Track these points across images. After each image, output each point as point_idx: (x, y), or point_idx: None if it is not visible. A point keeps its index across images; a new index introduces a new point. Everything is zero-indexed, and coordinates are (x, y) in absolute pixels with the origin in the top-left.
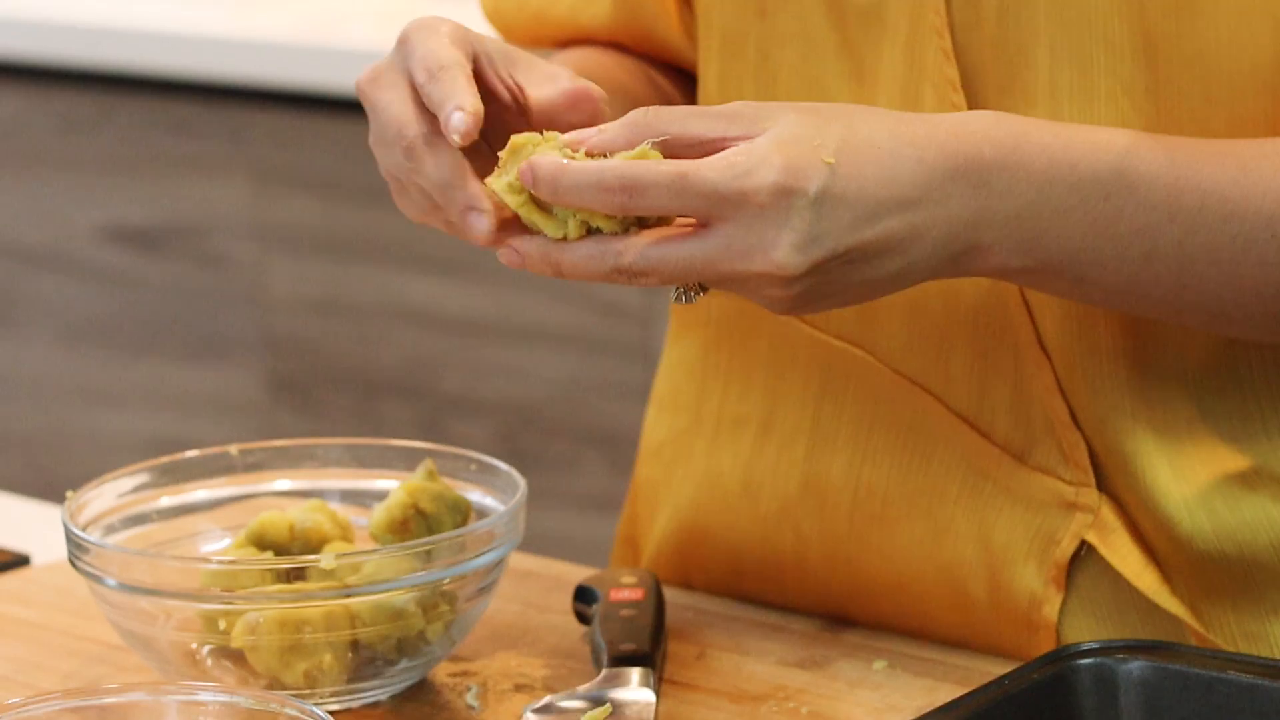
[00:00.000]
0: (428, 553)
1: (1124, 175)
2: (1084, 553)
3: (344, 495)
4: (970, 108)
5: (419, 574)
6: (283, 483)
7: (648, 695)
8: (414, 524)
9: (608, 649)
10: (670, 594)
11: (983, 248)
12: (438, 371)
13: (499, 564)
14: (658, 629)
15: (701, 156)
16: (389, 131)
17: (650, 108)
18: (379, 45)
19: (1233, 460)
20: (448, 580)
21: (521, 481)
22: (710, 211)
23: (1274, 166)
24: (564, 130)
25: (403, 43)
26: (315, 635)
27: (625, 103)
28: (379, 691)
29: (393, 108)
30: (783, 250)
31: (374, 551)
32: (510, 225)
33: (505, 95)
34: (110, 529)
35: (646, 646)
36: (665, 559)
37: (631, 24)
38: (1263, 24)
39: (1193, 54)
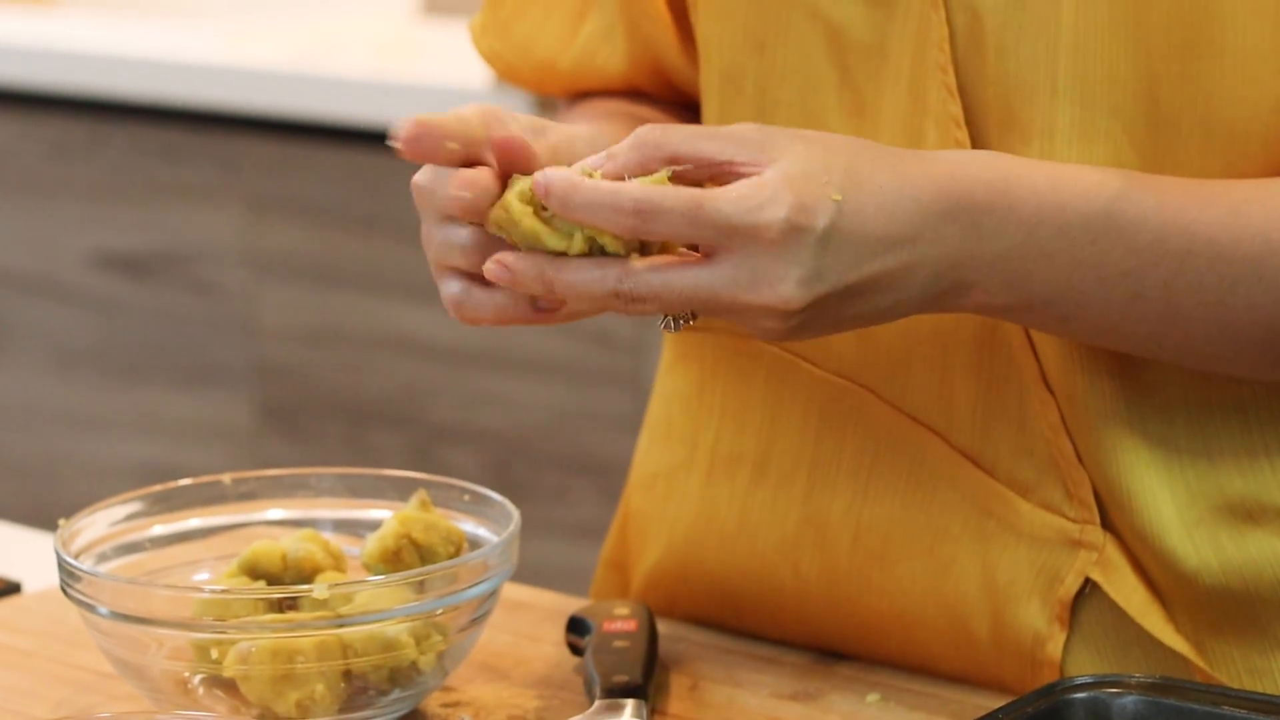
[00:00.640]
0: (421, 583)
1: (1112, 219)
2: (1088, 590)
3: (337, 525)
4: (973, 143)
5: (412, 604)
6: (275, 512)
7: None
8: (407, 554)
9: (600, 680)
10: (663, 626)
11: (969, 285)
12: (428, 400)
13: (492, 595)
14: (650, 660)
15: (709, 179)
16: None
17: (657, 126)
18: (371, 74)
19: (1238, 496)
20: (440, 611)
21: (515, 512)
22: (719, 242)
23: (1265, 210)
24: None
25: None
26: (308, 665)
27: None
28: None
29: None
30: (789, 285)
31: (367, 581)
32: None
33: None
34: (102, 557)
35: (639, 678)
36: (656, 590)
37: (649, 64)
38: (1267, 67)
39: (1195, 95)
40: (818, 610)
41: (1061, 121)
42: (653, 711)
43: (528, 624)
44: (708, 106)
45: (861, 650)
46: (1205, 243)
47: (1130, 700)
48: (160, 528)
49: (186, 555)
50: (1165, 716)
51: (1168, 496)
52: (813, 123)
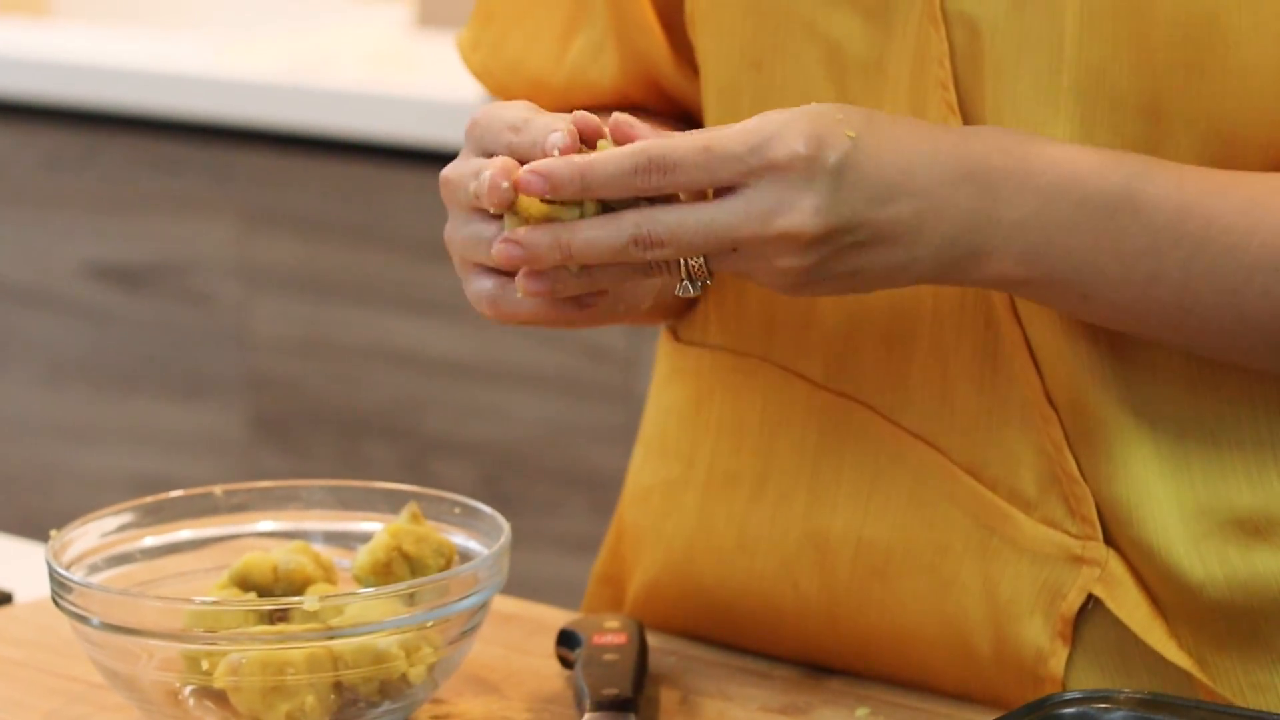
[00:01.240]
0: (411, 595)
1: (1131, 195)
2: (1091, 606)
3: (328, 537)
4: None
5: (402, 616)
6: (267, 524)
7: None
8: (397, 566)
9: (590, 693)
10: (654, 639)
11: (985, 253)
12: (421, 412)
13: (482, 607)
14: (641, 674)
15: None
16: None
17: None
18: (365, 86)
19: (1247, 510)
20: (431, 623)
21: (505, 525)
22: (734, 180)
23: None
24: None
25: (472, 127)
26: (298, 676)
27: None
28: None
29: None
30: (804, 212)
31: (357, 594)
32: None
33: None
34: (94, 568)
35: (629, 691)
36: (651, 604)
37: (642, 76)
38: (1271, 84)
39: (1198, 111)
40: (817, 627)
41: (1062, 138)
42: None
43: (518, 637)
44: (707, 122)
45: (861, 667)
46: (1222, 230)
47: (1120, 716)
48: (152, 539)
49: (178, 566)
50: None
51: (1175, 510)
52: None
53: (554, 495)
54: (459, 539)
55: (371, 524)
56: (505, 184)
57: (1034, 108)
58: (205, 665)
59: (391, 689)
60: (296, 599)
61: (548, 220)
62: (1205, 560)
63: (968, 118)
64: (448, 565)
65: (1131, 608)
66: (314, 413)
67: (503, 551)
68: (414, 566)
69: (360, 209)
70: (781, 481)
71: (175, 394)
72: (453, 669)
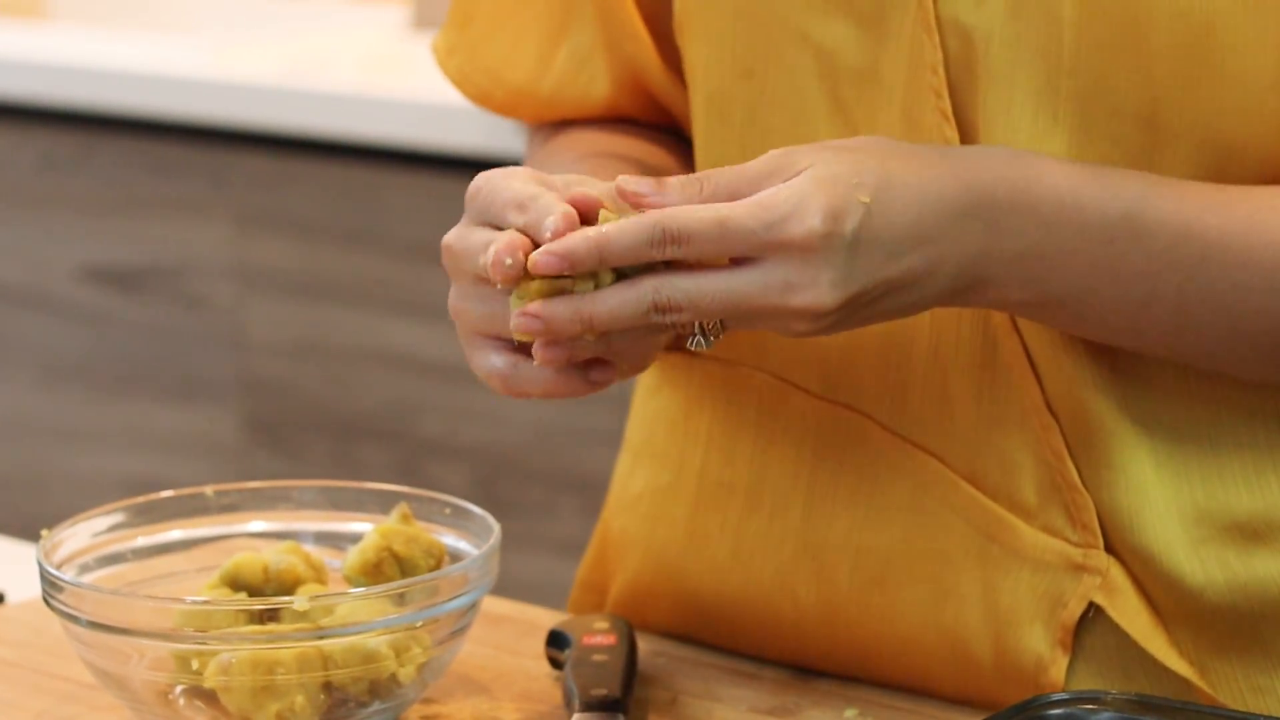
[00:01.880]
0: (401, 596)
1: (1130, 222)
2: (1091, 614)
3: (318, 537)
4: None
5: (392, 617)
6: (257, 524)
7: None
8: (388, 567)
9: (580, 694)
10: (643, 640)
11: (987, 281)
12: (415, 415)
13: (472, 608)
14: (630, 674)
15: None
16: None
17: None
18: (360, 89)
19: (1246, 515)
20: (421, 623)
21: (495, 526)
22: (750, 253)
23: (1278, 219)
24: None
25: (474, 196)
26: (288, 676)
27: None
28: None
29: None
30: (821, 288)
31: (347, 594)
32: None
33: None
34: (85, 568)
35: (618, 692)
36: (634, 605)
37: (632, 85)
38: (1269, 93)
39: (1195, 120)
40: (815, 637)
41: (1058, 147)
42: None
43: (508, 637)
44: (695, 133)
45: (860, 676)
46: (1219, 250)
47: (1108, 717)
48: (143, 539)
49: (169, 566)
50: None
51: (1174, 515)
52: None
53: (546, 498)
54: (449, 539)
55: (362, 524)
56: (510, 261)
57: (1030, 116)
58: (196, 665)
59: (381, 689)
60: (287, 599)
61: (557, 291)
62: (1205, 565)
63: (962, 126)
64: (438, 565)
65: (1133, 615)
66: (308, 415)
67: (492, 552)
68: (404, 567)
69: (355, 212)
70: (777, 491)
71: (170, 396)
72: (442, 669)
